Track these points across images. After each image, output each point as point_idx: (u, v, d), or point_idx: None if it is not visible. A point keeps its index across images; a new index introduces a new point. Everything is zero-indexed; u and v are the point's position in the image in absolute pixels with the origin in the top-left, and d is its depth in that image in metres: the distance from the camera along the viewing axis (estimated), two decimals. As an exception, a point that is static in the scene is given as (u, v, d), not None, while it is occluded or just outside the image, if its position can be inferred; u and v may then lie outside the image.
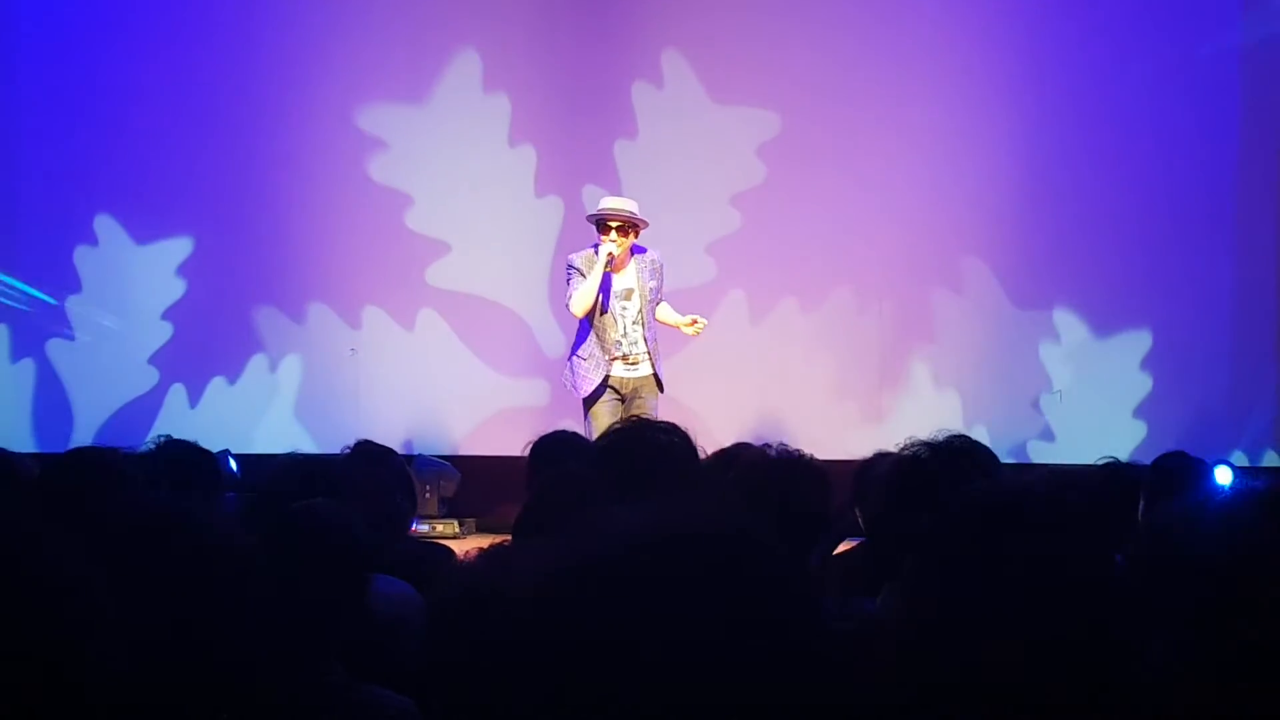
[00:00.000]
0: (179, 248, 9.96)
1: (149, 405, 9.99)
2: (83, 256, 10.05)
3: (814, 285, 9.64)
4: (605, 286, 7.74)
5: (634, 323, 7.81)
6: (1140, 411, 9.49)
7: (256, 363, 9.98)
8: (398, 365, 9.89)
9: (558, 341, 9.80)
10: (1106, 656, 2.02)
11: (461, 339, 9.89)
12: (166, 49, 9.92)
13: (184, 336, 9.97)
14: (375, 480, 3.77)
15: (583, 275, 7.74)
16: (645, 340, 7.82)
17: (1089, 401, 9.48)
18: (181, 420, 9.66)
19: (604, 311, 7.75)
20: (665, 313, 8.04)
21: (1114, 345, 9.53)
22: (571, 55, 9.73)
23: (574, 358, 7.88)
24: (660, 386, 7.87)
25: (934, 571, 2.11)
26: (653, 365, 7.83)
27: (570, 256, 7.94)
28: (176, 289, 9.98)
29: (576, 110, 9.75)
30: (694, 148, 9.56)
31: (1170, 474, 4.25)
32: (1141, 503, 3.97)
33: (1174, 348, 9.42)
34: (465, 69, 9.87)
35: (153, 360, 10.02)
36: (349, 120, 9.88)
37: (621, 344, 7.78)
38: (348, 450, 4.12)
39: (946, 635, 1.98)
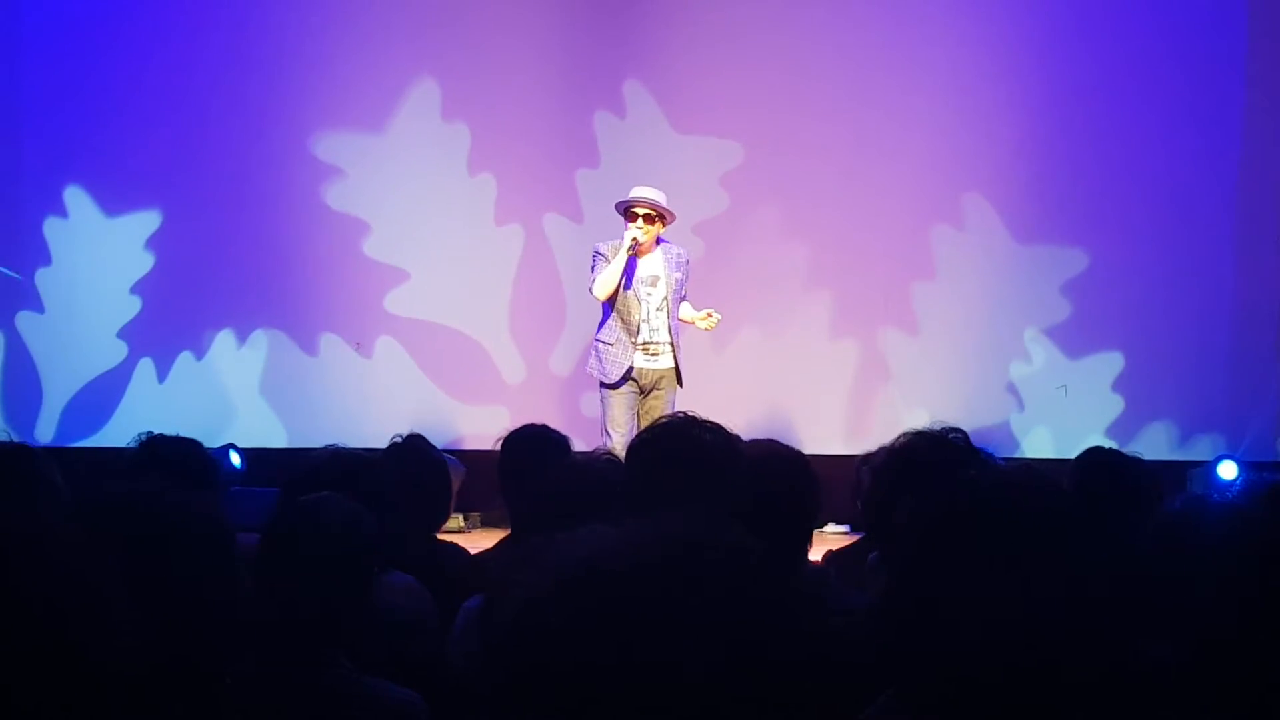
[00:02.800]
0: (148, 221, 9.92)
1: (118, 379, 9.96)
2: (52, 228, 10.01)
3: (774, 316, 9.67)
4: (629, 270, 7.73)
5: (657, 309, 7.80)
6: (1138, 413, 9.52)
7: (224, 338, 9.94)
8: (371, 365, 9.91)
9: (518, 369, 9.79)
10: (1092, 647, 2.03)
11: (420, 366, 9.84)
12: (135, 39, 9.89)
13: (152, 311, 9.94)
14: (415, 478, 3.74)
15: (607, 261, 7.73)
16: (669, 330, 7.80)
17: (1084, 400, 9.53)
18: (151, 395, 9.74)
19: (627, 288, 7.73)
20: (685, 310, 8.00)
21: (1104, 352, 9.58)
22: (533, 85, 9.73)
23: (598, 342, 7.85)
24: (680, 380, 7.84)
25: (914, 561, 2.12)
26: (674, 357, 7.81)
27: (597, 244, 7.91)
28: (145, 262, 9.94)
29: (538, 140, 9.74)
30: (657, 177, 9.56)
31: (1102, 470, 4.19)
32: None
33: (1172, 351, 9.45)
34: (424, 98, 9.85)
35: (121, 334, 9.98)
36: (305, 148, 9.84)
37: (644, 329, 7.76)
38: (398, 440, 4.09)
39: (925, 625, 1.99)
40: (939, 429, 3.28)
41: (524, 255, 9.80)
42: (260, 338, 9.93)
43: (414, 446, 4.09)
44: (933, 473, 2.91)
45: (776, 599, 1.35)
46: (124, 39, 9.92)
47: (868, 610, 2.67)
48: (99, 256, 9.94)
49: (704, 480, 2.93)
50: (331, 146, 9.88)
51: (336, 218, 9.86)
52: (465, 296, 9.84)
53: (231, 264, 9.85)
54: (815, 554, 3.83)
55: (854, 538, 4.55)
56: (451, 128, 9.85)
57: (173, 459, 3.89)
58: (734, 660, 1.27)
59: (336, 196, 9.88)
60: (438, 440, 9.59)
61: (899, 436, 3.31)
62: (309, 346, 9.90)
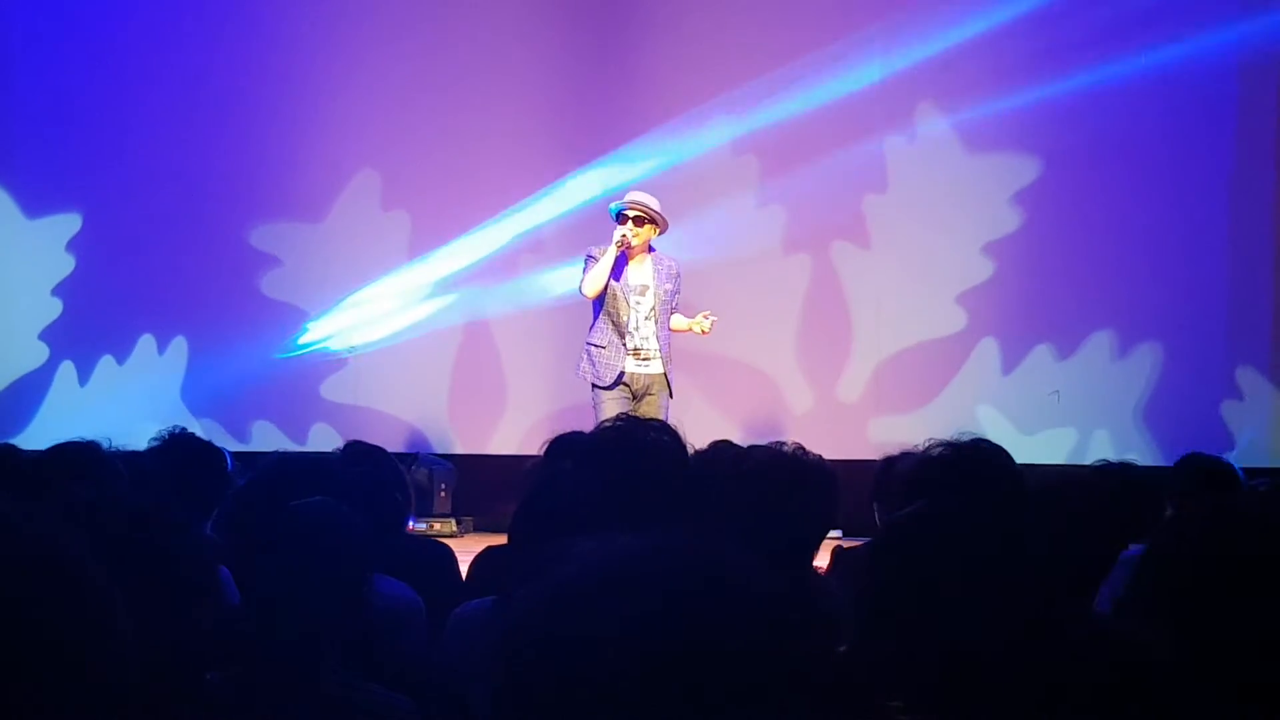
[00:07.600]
0: (69, 223, 9.84)
1: (39, 381, 9.85)
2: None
3: (727, 234, 9.54)
4: (619, 272, 7.73)
5: (645, 318, 7.79)
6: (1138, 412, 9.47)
7: (145, 343, 9.84)
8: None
9: (455, 453, 9.68)
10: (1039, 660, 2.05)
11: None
12: (71, 52, 9.86)
13: (73, 313, 9.85)
14: (371, 478, 3.76)
15: (597, 262, 7.74)
16: (658, 338, 7.80)
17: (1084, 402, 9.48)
18: (72, 399, 9.69)
19: (616, 279, 7.72)
20: (678, 321, 7.99)
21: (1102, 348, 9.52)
22: (475, 173, 9.68)
23: (589, 345, 7.82)
24: (669, 389, 7.82)
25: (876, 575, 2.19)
26: (664, 365, 7.80)
27: (590, 247, 7.91)
28: (66, 265, 9.85)
29: (480, 225, 9.71)
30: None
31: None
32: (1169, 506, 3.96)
33: (1170, 351, 9.40)
34: (365, 188, 9.79)
35: (43, 336, 9.88)
36: (244, 238, 9.78)
37: (634, 335, 7.76)
38: (339, 450, 4.10)
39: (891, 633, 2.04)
40: (967, 439, 3.18)
41: (463, 340, 9.75)
42: (181, 344, 9.85)
43: (355, 449, 4.16)
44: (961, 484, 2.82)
45: (752, 613, 1.33)
46: (60, 51, 9.85)
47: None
48: (20, 257, 9.85)
49: (653, 481, 2.91)
50: (269, 236, 9.81)
51: (272, 305, 9.79)
52: (403, 382, 9.76)
53: (158, 290, 9.79)
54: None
55: (850, 542, 4.49)
56: (392, 216, 9.79)
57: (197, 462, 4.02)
58: (706, 672, 1.26)
59: (271, 284, 9.81)
60: (476, 416, 9.51)
61: (927, 444, 3.21)
62: (242, 435, 9.72)
